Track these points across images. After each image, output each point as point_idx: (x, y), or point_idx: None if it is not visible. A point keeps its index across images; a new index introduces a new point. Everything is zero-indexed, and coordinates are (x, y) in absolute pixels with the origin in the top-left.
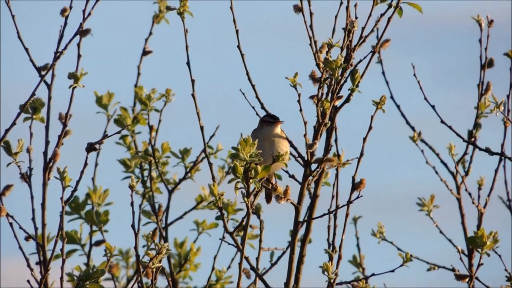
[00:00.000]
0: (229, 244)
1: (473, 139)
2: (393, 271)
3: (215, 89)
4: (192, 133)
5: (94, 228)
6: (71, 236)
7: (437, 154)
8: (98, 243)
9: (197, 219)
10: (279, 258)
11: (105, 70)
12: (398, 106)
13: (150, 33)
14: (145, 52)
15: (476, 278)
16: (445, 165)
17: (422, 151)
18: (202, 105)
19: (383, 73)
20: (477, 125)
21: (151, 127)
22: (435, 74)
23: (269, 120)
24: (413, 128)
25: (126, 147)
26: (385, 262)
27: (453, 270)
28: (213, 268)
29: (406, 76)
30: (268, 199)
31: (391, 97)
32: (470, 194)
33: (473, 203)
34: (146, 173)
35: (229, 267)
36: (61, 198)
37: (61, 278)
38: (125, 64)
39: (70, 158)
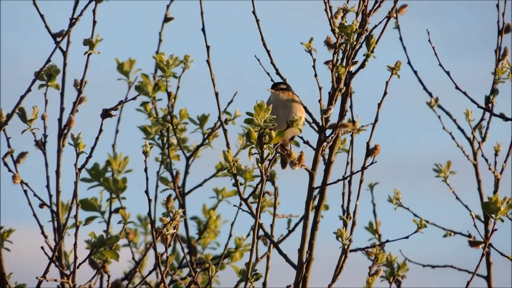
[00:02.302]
0: (243, 211)
1: (490, 105)
2: (407, 237)
3: (232, 55)
4: (211, 100)
5: (114, 195)
6: (90, 204)
7: (454, 120)
8: (117, 210)
9: (217, 186)
10: (296, 224)
11: (127, 37)
12: (415, 72)
13: (172, 0)
14: (166, 19)
15: (490, 244)
16: (462, 131)
17: (439, 117)
18: (219, 72)
19: (401, 38)
20: (494, 91)
21: (169, 94)
22: (451, 39)
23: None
24: (430, 94)
25: (147, 114)
26: (402, 228)
27: (469, 236)
28: (230, 235)
29: (423, 41)
30: (283, 165)
31: (408, 62)
32: (486, 160)
33: (489, 169)
34: (166, 140)
35: (248, 234)
36: (75, 165)
37: (75, 244)
38: (147, 31)
39: (90, 125)
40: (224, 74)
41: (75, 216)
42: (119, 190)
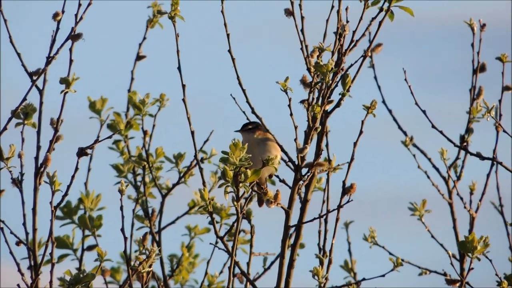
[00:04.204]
0: (219, 249)
1: (465, 144)
2: (383, 275)
3: (208, 93)
4: (187, 138)
5: (87, 233)
6: (63, 241)
7: (429, 159)
8: (90, 248)
9: (189, 224)
10: (272, 263)
11: (99, 75)
12: (390, 111)
13: (144, 38)
14: (138, 57)
15: (467, 283)
16: (437, 169)
17: (414, 155)
18: (194, 110)
19: (375, 77)
20: (469, 130)
21: (145, 132)
22: (427, 78)
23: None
24: (405, 133)
25: (119, 152)
26: (378, 266)
27: (444, 274)
28: (206, 273)
29: (397, 80)
30: (259, 203)
31: (383, 101)
32: (462, 198)
33: (464, 207)
34: (139, 178)
35: (221, 271)
36: (51, 203)
37: (50, 282)
38: (119, 69)
39: (63, 164)
40: (201, 111)
41: (51, 254)
42: (94, 228)
